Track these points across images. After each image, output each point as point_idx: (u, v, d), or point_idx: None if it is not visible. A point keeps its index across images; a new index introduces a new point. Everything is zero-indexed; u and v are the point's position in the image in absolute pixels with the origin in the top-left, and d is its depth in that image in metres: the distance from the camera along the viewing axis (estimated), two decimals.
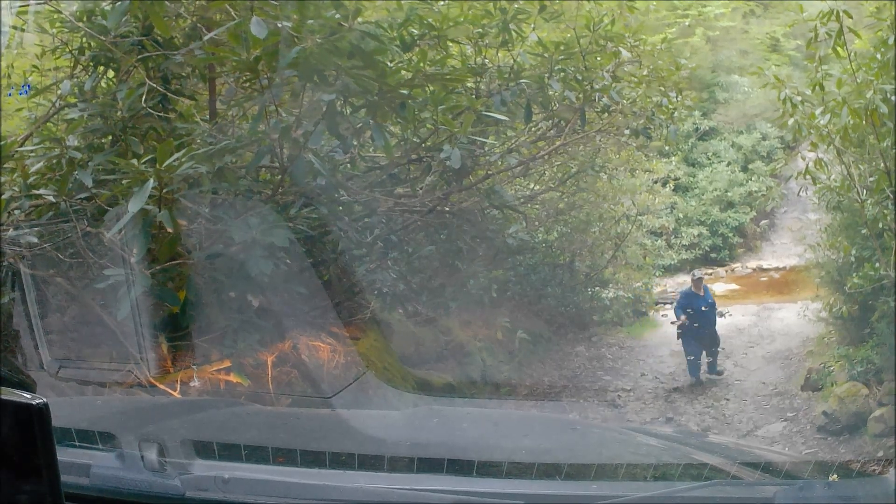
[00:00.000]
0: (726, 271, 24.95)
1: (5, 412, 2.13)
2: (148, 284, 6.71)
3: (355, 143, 9.13)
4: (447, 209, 11.14)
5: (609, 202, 18.47)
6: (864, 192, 11.28)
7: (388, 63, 7.79)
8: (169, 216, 6.44)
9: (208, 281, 7.90)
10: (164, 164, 6.28)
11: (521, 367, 15.91)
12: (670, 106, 11.60)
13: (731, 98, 28.79)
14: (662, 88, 11.86)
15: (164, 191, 6.50)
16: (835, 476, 3.37)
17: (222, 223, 7.68)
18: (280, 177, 7.99)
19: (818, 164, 11.25)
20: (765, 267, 23.41)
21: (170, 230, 6.51)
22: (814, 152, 11.46)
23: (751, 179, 26.94)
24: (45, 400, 2.17)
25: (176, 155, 6.46)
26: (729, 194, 26.33)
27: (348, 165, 9.74)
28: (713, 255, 25.45)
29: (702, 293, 16.39)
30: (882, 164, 10.58)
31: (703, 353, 16.29)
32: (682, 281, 23.65)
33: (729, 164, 27.24)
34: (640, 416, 14.42)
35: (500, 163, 10.74)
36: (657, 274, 23.18)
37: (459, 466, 3.56)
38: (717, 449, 4.97)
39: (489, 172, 10.58)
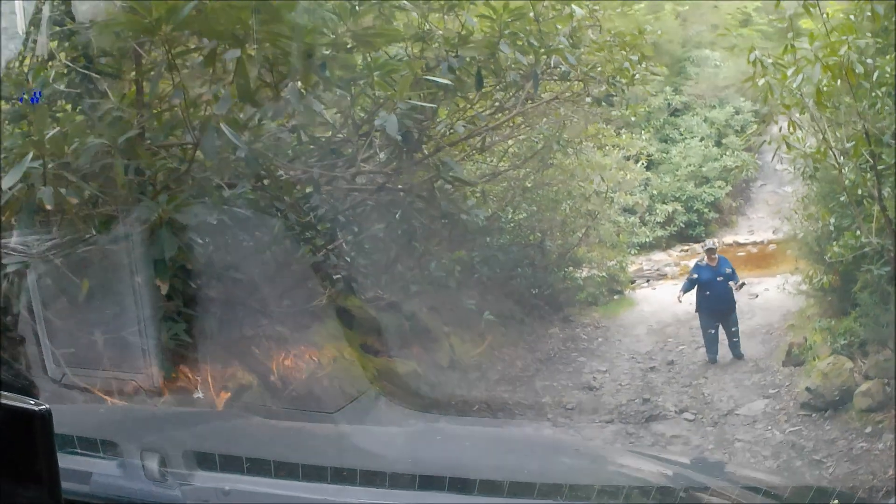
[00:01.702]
0: (702, 247, 23.87)
1: (8, 418, 2.10)
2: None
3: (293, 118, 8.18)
4: (399, 187, 10.21)
5: (578, 179, 17.69)
6: (842, 157, 10.58)
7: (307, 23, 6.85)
8: (50, 194, 5.55)
9: (116, 266, 7.01)
10: (47, 137, 5.38)
11: (492, 351, 15.23)
12: (631, 70, 10.66)
13: (702, 73, 28.23)
14: (625, 53, 10.95)
15: (49, 166, 5.59)
16: (836, 502, 3.29)
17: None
18: (192, 151, 7.06)
19: (792, 125, 10.52)
20: (741, 242, 22.82)
21: (48, 207, 5.60)
22: (787, 116, 10.79)
23: (725, 154, 26.36)
24: (48, 406, 2.13)
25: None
26: (703, 170, 25.79)
27: (294, 142, 8.98)
28: (689, 231, 24.96)
29: (715, 264, 15.40)
30: (861, 126, 9.84)
31: (719, 332, 15.34)
32: (658, 259, 23.69)
33: (702, 139, 26.67)
34: (615, 399, 13.79)
35: (448, 133, 9.81)
36: (632, 252, 22.60)
37: (461, 484, 3.47)
38: (720, 473, 5.12)
39: (440, 145, 9.60)
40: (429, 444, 4.80)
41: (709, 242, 16.67)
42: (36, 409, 2.12)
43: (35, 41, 7.50)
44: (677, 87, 27.88)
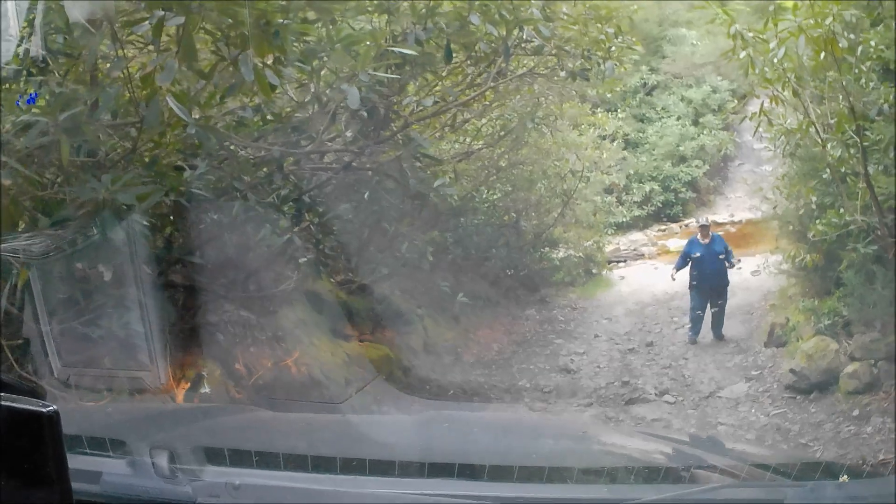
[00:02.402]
0: (680, 227, 24.47)
1: (16, 420, 2.08)
2: None
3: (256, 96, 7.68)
4: (368, 167, 9.72)
5: (553, 158, 17.41)
6: (825, 133, 10.20)
7: None
8: None
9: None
10: None
11: (467, 334, 15.02)
12: (607, 42, 10.19)
13: (678, 51, 28.17)
14: (600, 26, 10.48)
15: None
16: (845, 477, 3.22)
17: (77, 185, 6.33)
18: (138, 127, 6.57)
19: (775, 100, 10.12)
20: (720, 221, 22.57)
21: None
22: (767, 92, 10.31)
23: (702, 133, 26.42)
24: (55, 408, 2.09)
25: None
26: (680, 149, 25.85)
27: (259, 121, 8.39)
28: (666, 210, 25.14)
29: (708, 241, 14.94)
30: (845, 101, 9.46)
31: (706, 310, 15.00)
32: (635, 238, 23.73)
33: (679, 118, 26.75)
34: (594, 381, 13.39)
35: (417, 109, 9.34)
36: (609, 232, 22.59)
37: (470, 471, 3.45)
38: (728, 451, 5.01)
39: (408, 121, 9.10)
40: (437, 432, 4.77)
41: (702, 219, 16.27)
42: (44, 410, 2.09)
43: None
44: (654, 67, 27.86)
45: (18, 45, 6.43)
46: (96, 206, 6.04)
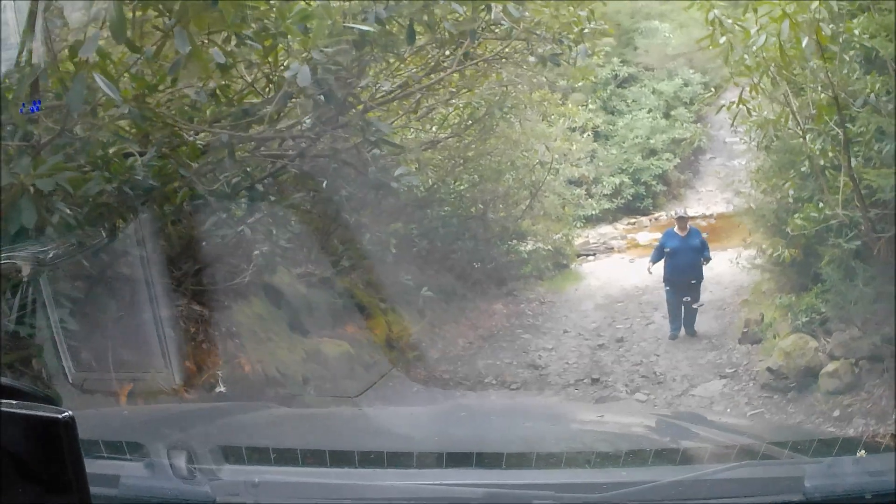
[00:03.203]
0: (650, 220, 24.39)
1: (32, 427, 2.03)
2: None
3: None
4: (326, 154, 9.11)
5: (522, 149, 16.97)
6: (806, 123, 9.83)
7: None
8: None
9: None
10: None
11: (433, 328, 14.55)
12: (579, 25, 9.63)
13: (651, 44, 27.97)
14: (572, 9, 9.94)
15: None
16: (862, 452, 3.19)
17: None
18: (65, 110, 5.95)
19: (754, 88, 9.61)
20: (691, 215, 22.00)
21: None
22: (745, 81, 9.81)
23: (673, 126, 26.28)
24: (71, 413, 2.04)
25: None
26: (651, 142, 25.73)
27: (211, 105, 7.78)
28: (636, 204, 24.99)
29: (685, 234, 14.48)
30: (827, 91, 8.98)
31: (681, 305, 14.53)
32: (605, 232, 23.58)
33: (650, 111, 26.62)
34: (562, 378, 13.00)
35: (374, 91, 8.75)
36: (578, 225, 22.26)
37: (489, 459, 3.47)
38: (745, 430, 5.19)
39: (367, 105, 8.49)
40: (454, 421, 4.85)
41: (680, 210, 15.83)
42: (59, 416, 2.05)
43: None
44: (625, 59, 27.73)
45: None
46: (13, 194, 5.48)
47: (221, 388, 8.68)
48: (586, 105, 22.76)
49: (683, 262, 14.30)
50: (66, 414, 2.04)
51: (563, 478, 3.26)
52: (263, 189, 8.88)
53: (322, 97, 7.66)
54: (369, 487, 3.11)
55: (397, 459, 3.42)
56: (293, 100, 8.15)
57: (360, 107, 8.53)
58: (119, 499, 2.89)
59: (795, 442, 3.92)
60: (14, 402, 2.07)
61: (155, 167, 7.15)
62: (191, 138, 7.71)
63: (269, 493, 2.98)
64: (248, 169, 8.55)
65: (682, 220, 14.66)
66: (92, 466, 2.17)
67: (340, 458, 3.42)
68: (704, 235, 15.13)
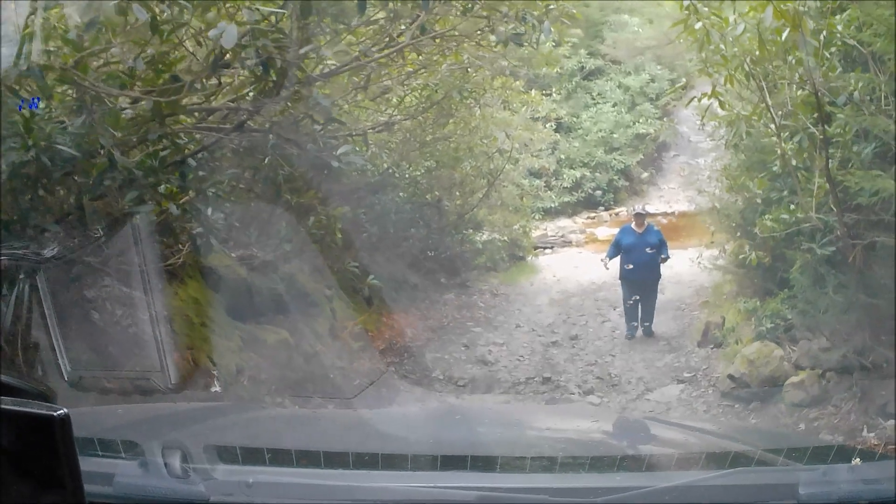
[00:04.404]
0: (610, 215, 23.97)
1: (27, 424, 2.11)
2: None
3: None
4: (267, 130, 8.38)
5: (481, 135, 16.34)
6: (781, 120, 9.36)
7: None
8: None
9: None
10: None
11: (380, 318, 13.96)
12: (544, 1, 8.93)
13: (619, 38, 27.58)
14: None
15: None
16: (857, 460, 3.21)
17: None
18: None
19: (729, 79, 9.02)
20: (652, 212, 21.80)
21: None
22: (721, 71, 9.29)
23: (638, 121, 25.96)
24: (66, 410, 2.13)
25: None
26: (615, 136, 25.42)
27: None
28: (597, 198, 24.65)
29: (642, 231, 13.98)
30: (811, 87, 8.48)
31: (638, 305, 14.14)
32: (563, 225, 23.26)
33: (615, 105, 26.32)
34: (512, 376, 12.62)
35: (319, 62, 8.03)
36: (536, 217, 21.82)
37: (483, 463, 3.50)
38: (740, 436, 5.12)
39: (311, 77, 7.75)
40: (448, 424, 4.90)
41: (637, 206, 15.18)
42: (54, 413, 2.09)
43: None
44: (592, 51, 27.33)
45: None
46: None
47: (217, 388, 8.76)
48: (550, 94, 22.13)
49: (639, 259, 13.82)
50: (62, 411, 2.08)
51: (557, 482, 3.29)
52: (196, 165, 8.20)
53: (261, 67, 7.07)
54: (363, 489, 3.11)
55: (391, 461, 3.47)
56: (230, 69, 7.58)
57: (303, 77, 7.83)
58: (113, 497, 2.88)
59: (790, 449, 3.91)
60: (9, 399, 2.10)
61: (78, 137, 6.77)
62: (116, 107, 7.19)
63: (263, 494, 2.97)
64: (180, 142, 7.88)
65: (639, 216, 14.18)
66: (86, 464, 2.21)
67: (334, 460, 3.45)
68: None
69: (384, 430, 4.65)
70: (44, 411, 2.10)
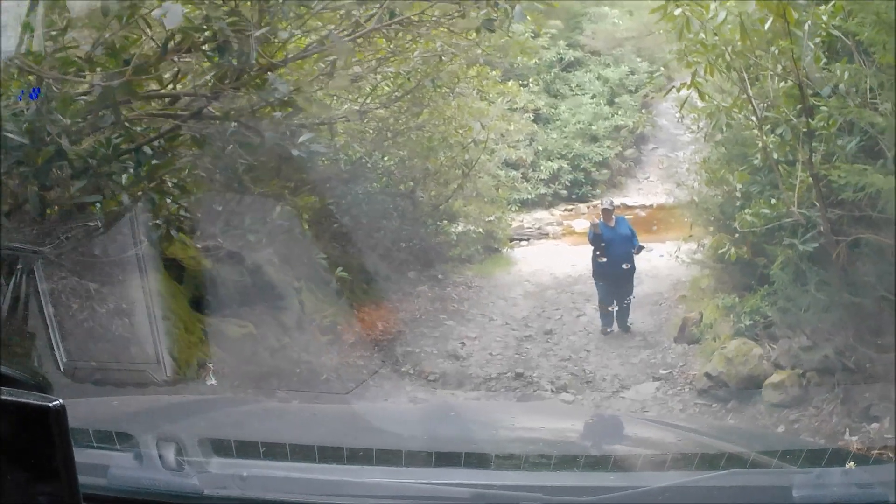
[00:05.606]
0: (588, 207, 23.61)
1: (22, 414, 2.13)
2: None
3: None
4: (226, 117, 7.97)
5: (456, 125, 15.97)
6: (762, 112, 9.12)
7: None
8: None
9: None
10: None
11: (351, 311, 13.63)
12: None
13: (598, 29, 27.41)
14: None
15: None
16: (851, 464, 3.23)
17: None
18: None
19: (709, 69, 8.75)
20: (629, 204, 22.19)
21: None
22: (698, 64, 8.95)
23: (617, 114, 25.76)
24: (61, 401, 2.14)
25: None
26: (593, 128, 25.15)
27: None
28: (574, 190, 24.43)
29: (613, 225, 13.77)
30: (796, 78, 8.24)
31: (614, 300, 13.96)
32: (540, 217, 23.07)
33: (594, 96, 26.06)
34: (484, 371, 12.37)
35: (281, 46, 7.64)
36: (513, 209, 21.55)
37: (477, 460, 3.49)
38: (735, 437, 5.16)
39: (270, 62, 7.33)
40: (443, 421, 4.90)
41: (605, 202, 14.99)
42: (49, 404, 2.10)
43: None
44: (572, 42, 27.14)
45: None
46: None
47: (213, 381, 8.78)
48: (527, 85, 21.95)
49: (614, 252, 13.61)
50: (57, 402, 2.09)
51: (551, 480, 3.28)
52: (152, 152, 7.79)
53: (217, 51, 6.79)
54: (357, 484, 3.11)
55: (385, 457, 3.44)
56: (186, 54, 7.24)
57: (265, 63, 7.41)
58: (107, 489, 2.86)
59: (784, 451, 3.96)
60: (5, 389, 2.09)
61: (28, 123, 6.43)
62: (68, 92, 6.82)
63: (257, 487, 2.98)
64: (135, 129, 7.54)
65: (606, 212, 14.06)
66: (81, 455, 2.21)
67: (329, 455, 3.46)
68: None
69: (379, 425, 4.68)
70: (39, 402, 2.10)
